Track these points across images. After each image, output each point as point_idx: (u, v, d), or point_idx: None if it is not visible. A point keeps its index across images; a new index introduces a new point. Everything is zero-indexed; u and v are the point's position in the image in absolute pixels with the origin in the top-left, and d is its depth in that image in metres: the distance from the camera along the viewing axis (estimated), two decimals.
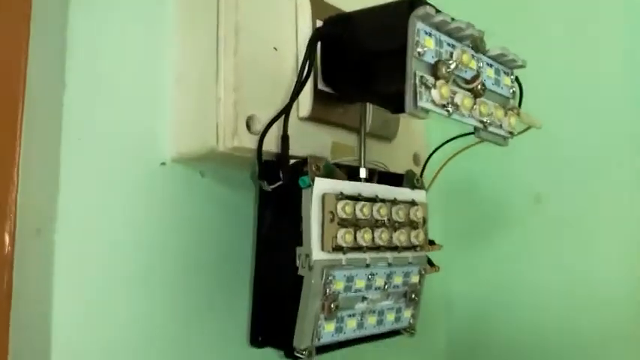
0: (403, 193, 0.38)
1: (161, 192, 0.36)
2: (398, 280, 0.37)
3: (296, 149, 0.35)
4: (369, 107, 0.39)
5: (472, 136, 0.41)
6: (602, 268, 0.49)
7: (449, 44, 0.29)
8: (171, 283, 0.35)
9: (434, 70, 0.28)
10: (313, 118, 0.36)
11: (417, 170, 0.44)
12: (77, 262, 0.31)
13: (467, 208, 0.57)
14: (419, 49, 0.28)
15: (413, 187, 0.39)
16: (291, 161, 0.33)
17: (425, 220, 0.39)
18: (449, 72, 0.28)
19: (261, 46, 0.35)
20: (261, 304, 0.35)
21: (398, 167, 0.42)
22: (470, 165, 0.46)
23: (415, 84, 0.27)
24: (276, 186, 0.33)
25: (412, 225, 0.38)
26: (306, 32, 0.36)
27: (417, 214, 0.38)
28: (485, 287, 0.56)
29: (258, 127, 0.33)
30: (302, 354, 0.32)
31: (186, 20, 0.36)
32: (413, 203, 0.38)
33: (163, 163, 0.36)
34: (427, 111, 0.28)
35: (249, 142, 0.33)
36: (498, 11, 0.55)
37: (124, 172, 0.34)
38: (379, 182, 0.38)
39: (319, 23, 0.37)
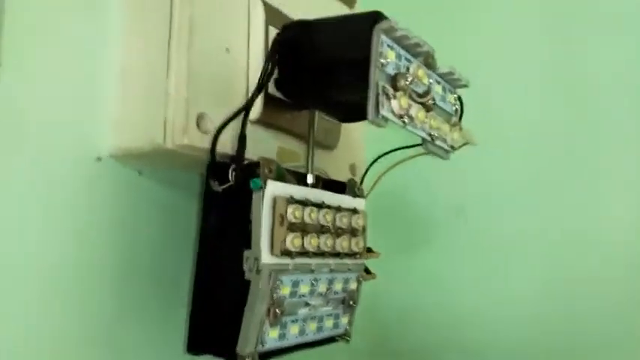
0: (346, 200, 0.39)
1: (94, 188, 0.33)
2: (338, 286, 0.38)
3: None
4: (316, 116, 0.39)
5: (408, 150, 0.43)
6: (519, 280, 0.53)
7: (406, 59, 0.31)
8: (100, 284, 0.33)
9: (393, 81, 0.29)
10: (261, 121, 0.36)
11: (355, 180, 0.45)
12: (4, 262, 0.28)
13: (393, 218, 0.59)
14: (382, 60, 0.29)
15: (354, 195, 0.40)
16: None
17: (364, 228, 0.40)
18: (407, 85, 0.30)
19: (214, 45, 0.34)
20: (202, 309, 0.33)
21: (336, 176, 0.43)
22: (396, 177, 0.48)
23: (378, 93, 0.28)
24: (226, 187, 0.32)
25: (353, 232, 0.39)
26: (258, 37, 0.36)
27: (358, 221, 0.39)
28: (408, 294, 0.58)
29: (208, 125, 0.33)
30: None
31: (134, 11, 0.34)
32: (355, 211, 0.39)
33: (99, 159, 0.34)
34: (387, 120, 0.29)
35: (199, 140, 0.32)
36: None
37: (56, 166, 0.32)
38: (322, 189, 0.38)
39: (272, 29, 0.37)
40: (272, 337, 0.33)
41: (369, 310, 0.57)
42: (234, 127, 0.33)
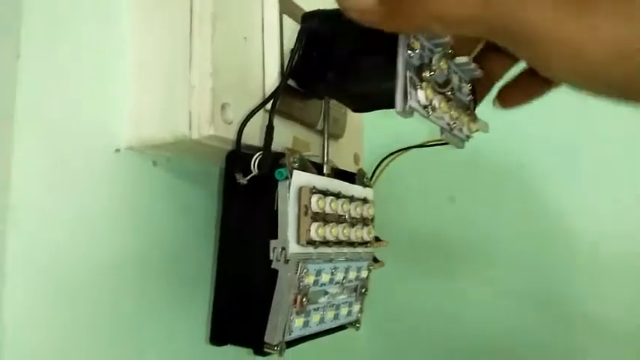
0: (358, 190, 0.39)
1: (110, 180, 0.33)
2: (352, 274, 0.38)
3: (259, 141, 0.34)
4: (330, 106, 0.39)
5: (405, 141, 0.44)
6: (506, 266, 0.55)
7: (429, 49, 0.31)
8: (118, 276, 0.33)
9: (418, 72, 0.30)
10: (278, 111, 0.36)
11: (355, 169, 0.46)
12: (27, 255, 0.28)
13: (386, 205, 0.60)
14: (409, 51, 0.29)
15: (364, 185, 0.41)
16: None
17: (374, 218, 0.41)
18: (431, 75, 0.30)
19: (234, 35, 0.34)
20: (225, 300, 0.33)
21: (341, 165, 0.43)
22: (390, 166, 0.49)
23: (406, 84, 0.29)
24: (250, 178, 0.32)
25: (365, 222, 0.39)
26: (273, 25, 0.36)
27: (369, 211, 0.40)
28: (401, 282, 0.59)
29: (231, 115, 0.32)
30: (274, 350, 0.32)
31: (154, 2, 0.34)
32: (365, 200, 0.40)
33: (118, 150, 0.33)
34: (413, 111, 0.29)
35: (224, 130, 0.32)
36: None
37: (77, 159, 0.31)
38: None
39: (285, 17, 0.37)
40: (297, 326, 0.33)
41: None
42: (254, 116, 0.33)
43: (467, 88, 0.36)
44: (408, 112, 0.29)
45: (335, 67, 0.33)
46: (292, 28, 0.37)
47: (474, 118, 0.36)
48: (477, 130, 0.38)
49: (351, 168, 0.45)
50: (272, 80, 0.36)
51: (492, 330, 0.56)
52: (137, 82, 0.33)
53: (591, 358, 0.52)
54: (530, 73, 0.32)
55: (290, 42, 0.37)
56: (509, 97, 0.34)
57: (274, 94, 0.32)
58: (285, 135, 0.38)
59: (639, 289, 0.51)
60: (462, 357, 0.56)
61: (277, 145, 0.36)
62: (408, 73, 0.29)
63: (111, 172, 0.32)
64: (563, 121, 0.55)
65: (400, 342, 0.60)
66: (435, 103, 0.31)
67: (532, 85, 0.32)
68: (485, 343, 0.56)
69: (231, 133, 0.32)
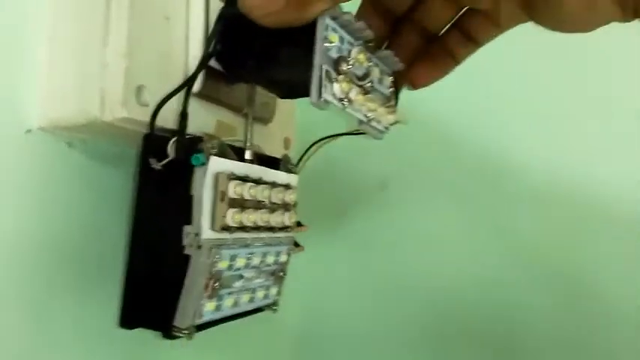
0: (281, 176, 0.40)
1: (22, 162, 0.32)
2: (270, 259, 0.39)
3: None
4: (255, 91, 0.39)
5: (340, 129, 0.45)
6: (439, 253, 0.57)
7: (349, 42, 0.31)
8: (27, 259, 0.32)
9: (336, 65, 0.30)
10: (201, 94, 0.36)
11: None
12: None
13: (315, 191, 0.60)
14: (326, 44, 0.29)
15: (288, 171, 0.41)
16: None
17: (296, 203, 0.41)
18: (348, 69, 0.31)
19: (154, 13, 0.33)
20: (136, 284, 0.33)
21: (270, 150, 0.43)
22: (323, 152, 0.50)
23: (321, 77, 0.29)
24: (165, 163, 0.32)
25: (286, 207, 0.40)
26: (197, 5, 0.35)
27: (290, 197, 0.40)
28: (330, 269, 0.60)
29: (147, 98, 0.32)
30: (183, 333, 0.32)
31: None
32: (288, 187, 0.40)
33: (29, 131, 0.32)
34: (328, 103, 0.30)
35: (139, 113, 0.31)
36: None
37: None
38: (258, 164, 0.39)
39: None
40: (209, 310, 0.33)
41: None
42: (174, 99, 0.33)
43: (388, 80, 0.36)
44: (322, 105, 0.30)
45: (255, 54, 0.33)
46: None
47: (392, 110, 0.36)
48: (395, 123, 0.39)
49: (281, 153, 0.46)
50: (195, 63, 0.35)
51: (425, 315, 0.58)
52: (49, 58, 0.32)
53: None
54: (440, 44, 0.33)
55: None
56: (419, 75, 0.34)
57: (190, 79, 0.32)
58: (209, 119, 0.37)
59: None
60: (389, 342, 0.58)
61: (199, 129, 0.36)
62: (323, 66, 0.29)
63: (21, 153, 0.31)
64: (491, 94, 0.57)
65: (324, 324, 0.61)
66: (352, 95, 0.32)
67: (442, 57, 0.33)
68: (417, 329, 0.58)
69: (147, 116, 0.32)
